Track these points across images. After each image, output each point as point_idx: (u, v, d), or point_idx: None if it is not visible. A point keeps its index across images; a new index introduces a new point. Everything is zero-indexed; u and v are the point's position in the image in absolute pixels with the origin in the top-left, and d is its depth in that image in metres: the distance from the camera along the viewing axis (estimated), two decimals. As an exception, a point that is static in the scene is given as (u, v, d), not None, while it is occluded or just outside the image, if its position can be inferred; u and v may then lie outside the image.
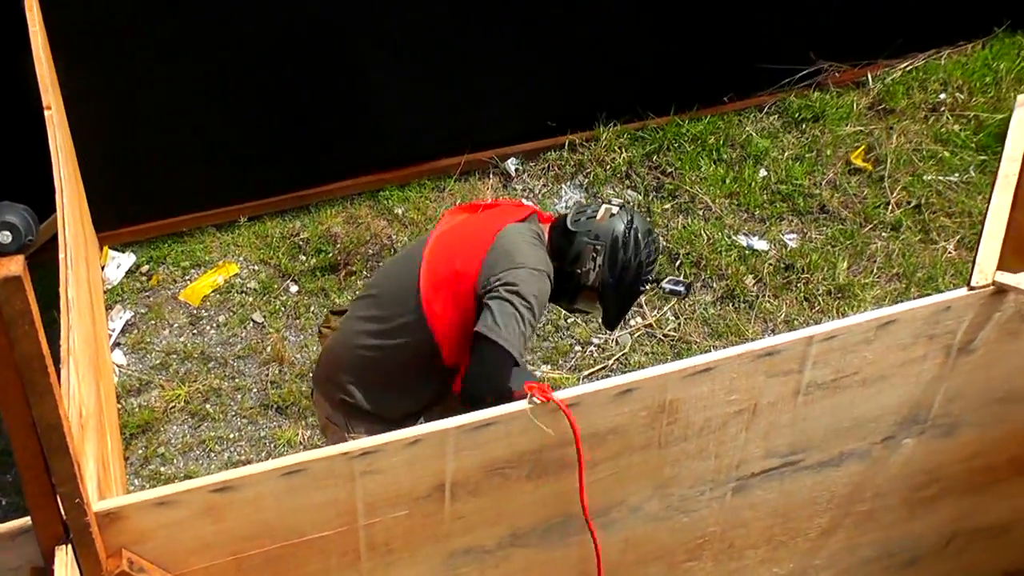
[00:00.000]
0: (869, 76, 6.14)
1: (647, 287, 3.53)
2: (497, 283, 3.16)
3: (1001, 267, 3.95)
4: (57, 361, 2.07)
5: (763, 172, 5.52)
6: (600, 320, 3.50)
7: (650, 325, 4.81)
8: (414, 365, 3.32)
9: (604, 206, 3.41)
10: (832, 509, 3.33)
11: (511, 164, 5.50)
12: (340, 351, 3.42)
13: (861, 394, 3.08)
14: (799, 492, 3.25)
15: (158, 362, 4.74)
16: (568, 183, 5.46)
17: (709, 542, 3.26)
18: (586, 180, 5.46)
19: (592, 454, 2.90)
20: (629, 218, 3.37)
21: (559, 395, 2.75)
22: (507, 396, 2.97)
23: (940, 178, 5.56)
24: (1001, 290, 3.05)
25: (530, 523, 2.97)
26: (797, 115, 5.84)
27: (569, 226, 3.35)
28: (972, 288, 3.04)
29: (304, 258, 5.14)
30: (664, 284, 4.00)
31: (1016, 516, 3.71)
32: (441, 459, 2.72)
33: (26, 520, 2.19)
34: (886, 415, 3.17)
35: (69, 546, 2.16)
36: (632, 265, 3.33)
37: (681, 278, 4.22)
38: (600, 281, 3.34)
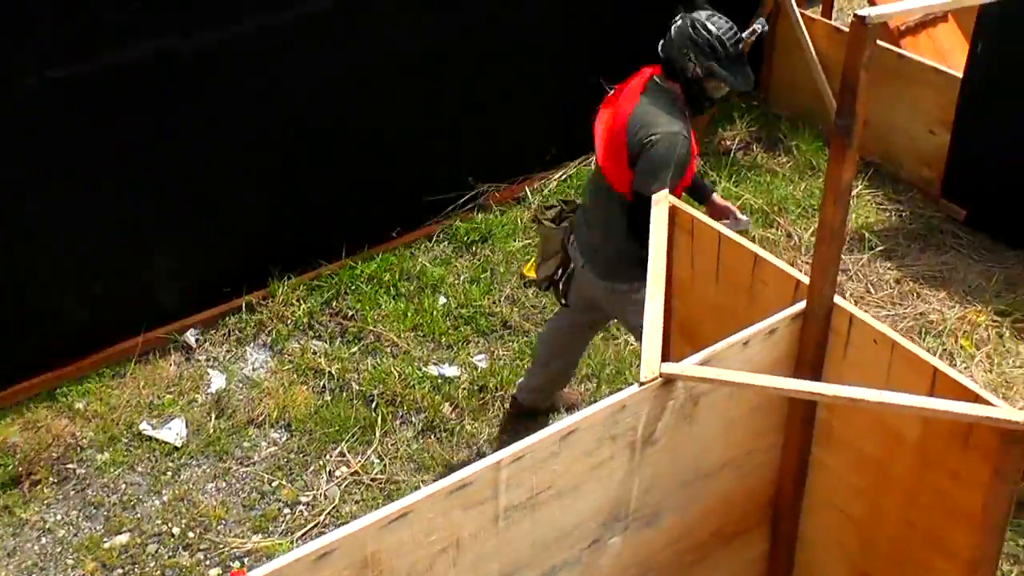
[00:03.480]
0: (528, 191, 6.39)
1: (740, 44, 4.26)
2: (643, 146, 4.21)
3: (673, 352, 4.15)
4: None
5: (443, 299, 5.61)
6: (738, 89, 4.40)
7: (356, 472, 4.73)
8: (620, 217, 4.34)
9: (673, 27, 4.26)
10: (556, 623, 3.33)
11: (191, 336, 5.34)
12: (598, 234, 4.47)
13: (559, 506, 3.12)
14: (520, 614, 3.23)
15: None
16: (252, 344, 5.35)
17: None
18: (269, 338, 5.37)
19: (303, 626, 2.78)
20: (689, 18, 4.23)
21: (253, 574, 2.64)
22: None
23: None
24: (669, 380, 3.18)
25: None
26: (466, 239, 5.99)
27: (663, 56, 4.28)
28: (642, 384, 3.15)
29: (-19, 477, 4.76)
30: (745, 35, 4.35)
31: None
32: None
33: None
34: (587, 521, 3.21)
35: None
36: (715, 41, 4.19)
37: (758, 22, 4.54)
38: (706, 68, 4.21)
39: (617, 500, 3.25)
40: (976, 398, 3.13)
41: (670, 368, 3.17)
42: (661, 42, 4.32)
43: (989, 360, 5.39)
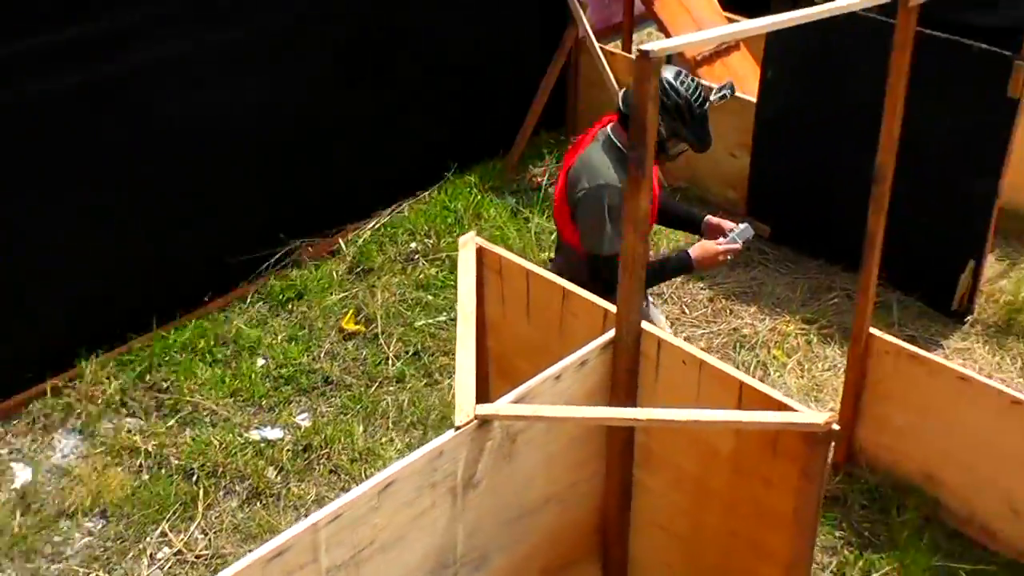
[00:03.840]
0: (342, 242, 6.34)
1: (707, 105, 4.28)
2: (576, 203, 4.30)
3: (493, 392, 4.16)
4: None
5: (261, 361, 5.49)
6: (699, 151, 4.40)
7: (179, 551, 4.55)
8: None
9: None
10: None
11: (-10, 430, 5.08)
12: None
13: (384, 560, 3.08)
14: (355, 677, 3.16)
15: None
16: (60, 430, 5.10)
17: None
18: (79, 422, 5.14)
19: None
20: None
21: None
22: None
23: (430, 321, 5.79)
24: (485, 421, 3.19)
25: None
26: (281, 297, 5.90)
27: (624, 111, 4.19)
28: (458, 428, 3.15)
29: None
30: (713, 98, 4.35)
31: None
32: None
33: None
34: (414, 572, 3.18)
35: None
36: (684, 104, 4.20)
37: (724, 86, 4.51)
38: (672, 129, 4.22)
39: (443, 547, 3.23)
40: (780, 406, 3.24)
41: (485, 409, 3.18)
42: (622, 94, 4.29)
43: (800, 367, 5.57)
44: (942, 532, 4.63)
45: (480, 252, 3.91)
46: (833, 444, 4.91)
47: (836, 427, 3.16)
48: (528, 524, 3.48)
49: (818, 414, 3.16)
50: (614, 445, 3.61)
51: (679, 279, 6.06)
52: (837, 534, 4.67)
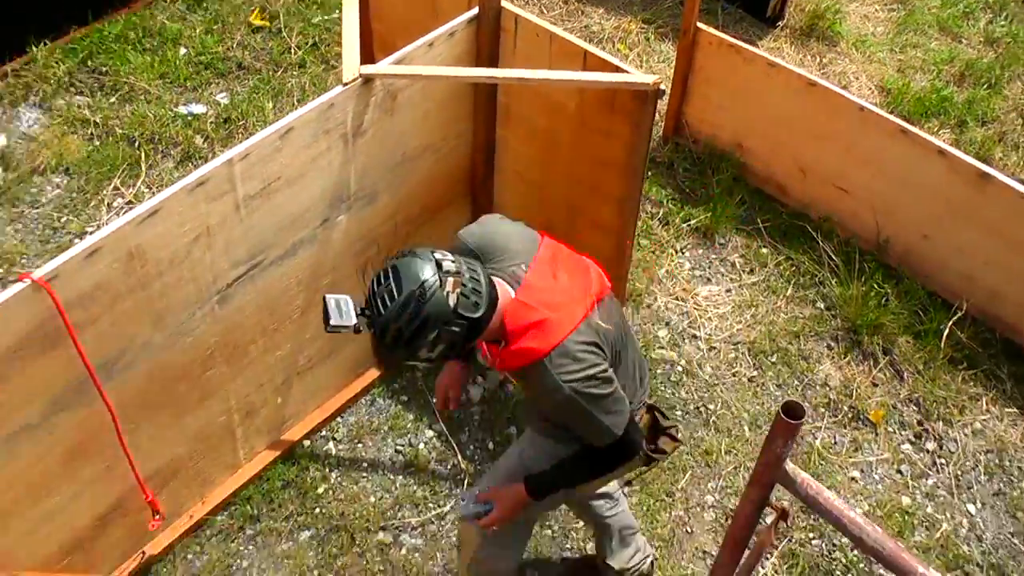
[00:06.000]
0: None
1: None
2: None
3: (373, 61, 4.09)
4: None
5: (183, 50, 5.29)
6: None
7: (130, 201, 4.53)
8: None
9: None
10: (303, 290, 3.40)
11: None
12: None
13: (290, 193, 3.13)
14: (272, 285, 3.28)
15: None
16: (23, 105, 4.91)
17: (217, 350, 3.24)
18: (37, 98, 4.94)
19: (87, 312, 2.76)
20: None
21: (37, 273, 2.58)
22: None
23: (326, 18, 5.61)
24: (368, 79, 3.18)
25: (61, 389, 2.80)
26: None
27: None
28: (346, 84, 3.14)
29: None
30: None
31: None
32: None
33: None
34: (316, 203, 3.25)
35: None
36: None
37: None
38: None
39: (338, 184, 3.28)
40: (617, 69, 3.27)
41: (368, 69, 3.16)
42: None
43: (640, 58, 5.60)
44: (746, 189, 4.83)
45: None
46: (663, 116, 5.04)
47: (663, 88, 3.20)
48: (408, 169, 3.54)
49: (647, 76, 3.19)
50: (479, 105, 3.62)
51: None
52: (665, 191, 4.83)
